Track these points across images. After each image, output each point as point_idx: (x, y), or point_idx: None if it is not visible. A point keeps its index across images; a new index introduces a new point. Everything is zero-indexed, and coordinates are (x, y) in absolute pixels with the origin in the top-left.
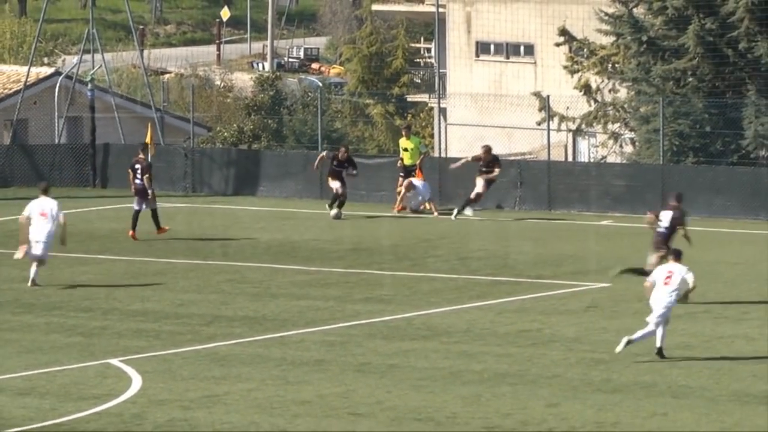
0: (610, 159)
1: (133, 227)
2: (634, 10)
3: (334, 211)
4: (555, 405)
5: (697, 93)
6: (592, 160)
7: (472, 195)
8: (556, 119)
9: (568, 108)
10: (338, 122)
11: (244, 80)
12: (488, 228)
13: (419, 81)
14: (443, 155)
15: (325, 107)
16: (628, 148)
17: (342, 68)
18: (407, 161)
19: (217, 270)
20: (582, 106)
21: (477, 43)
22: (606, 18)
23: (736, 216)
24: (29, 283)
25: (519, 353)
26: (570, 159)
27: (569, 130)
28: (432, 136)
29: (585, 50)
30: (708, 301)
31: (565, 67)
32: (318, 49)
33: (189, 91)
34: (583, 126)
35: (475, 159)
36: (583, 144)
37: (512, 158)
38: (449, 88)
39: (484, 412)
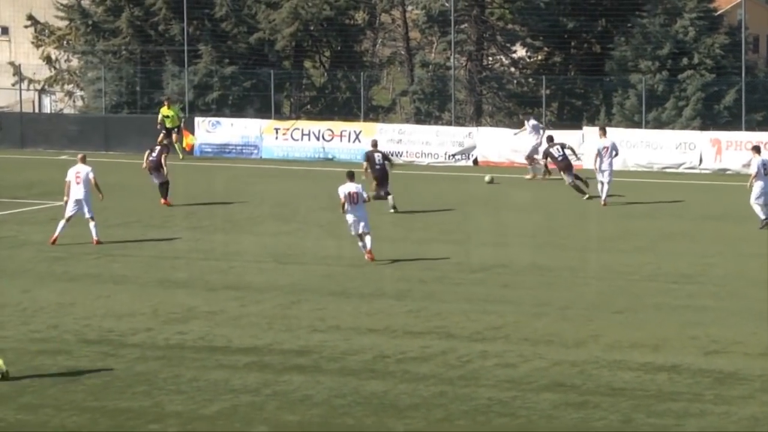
0: (67, 111)
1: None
2: (83, 1)
3: None
4: (28, 291)
5: (129, 62)
6: (53, 112)
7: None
8: (26, 82)
9: (34, 73)
10: None
11: None
12: None
13: None
14: None
15: None
16: (80, 103)
17: None
18: None
19: None
20: (45, 72)
21: None
22: (61, 7)
23: None
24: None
25: None
26: (37, 111)
27: (36, 90)
28: None
29: (47, 30)
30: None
31: (33, 43)
32: None
33: None
34: (46, 87)
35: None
36: (46, 100)
37: None
38: None
39: None
